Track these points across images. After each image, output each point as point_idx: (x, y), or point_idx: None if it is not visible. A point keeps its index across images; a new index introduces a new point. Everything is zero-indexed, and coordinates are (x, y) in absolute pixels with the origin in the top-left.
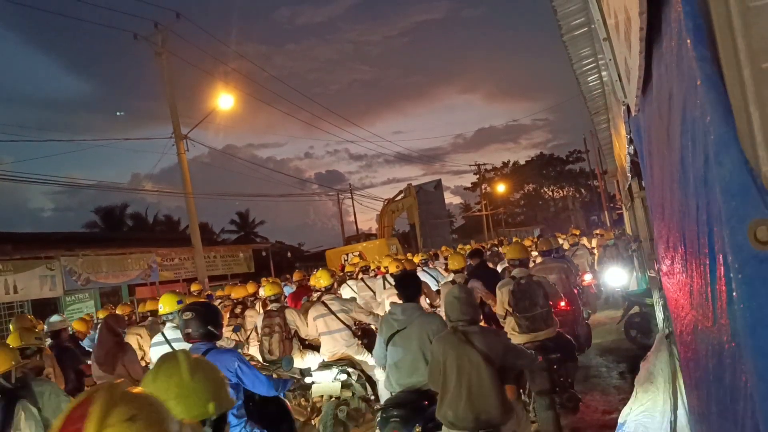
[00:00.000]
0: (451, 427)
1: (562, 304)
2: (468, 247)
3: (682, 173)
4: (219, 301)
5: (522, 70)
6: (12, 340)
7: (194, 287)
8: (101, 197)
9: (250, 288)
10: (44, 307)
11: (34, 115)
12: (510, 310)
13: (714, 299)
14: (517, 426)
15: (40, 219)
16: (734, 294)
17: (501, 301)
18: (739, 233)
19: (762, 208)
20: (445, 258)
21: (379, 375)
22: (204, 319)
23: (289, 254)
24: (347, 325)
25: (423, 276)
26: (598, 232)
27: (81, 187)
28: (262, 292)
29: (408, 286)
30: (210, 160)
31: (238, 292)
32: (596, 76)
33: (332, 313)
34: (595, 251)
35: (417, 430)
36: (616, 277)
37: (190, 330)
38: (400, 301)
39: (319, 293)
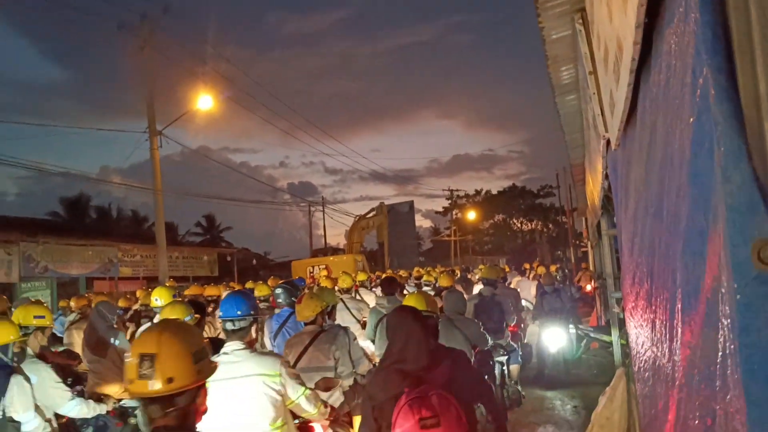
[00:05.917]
0: None
1: (512, 324)
2: (437, 270)
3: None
4: (187, 299)
5: (501, 102)
6: (16, 318)
7: (169, 284)
8: (67, 186)
9: (223, 290)
10: None
11: (5, 97)
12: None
13: (675, 332)
14: None
15: (3, 203)
16: (733, 317)
17: (468, 312)
18: (742, 252)
19: None
20: (416, 278)
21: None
22: (290, 293)
23: (254, 261)
24: (357, 320)
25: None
26: (527, 266)
27: (48, 173)
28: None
29: (390, 284)
30: (182, 159)
31: (211, 291)
32: (577, 109)
33: (347, 308)
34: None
35: None
36: (556, 339)
37: (281, 300)
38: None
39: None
